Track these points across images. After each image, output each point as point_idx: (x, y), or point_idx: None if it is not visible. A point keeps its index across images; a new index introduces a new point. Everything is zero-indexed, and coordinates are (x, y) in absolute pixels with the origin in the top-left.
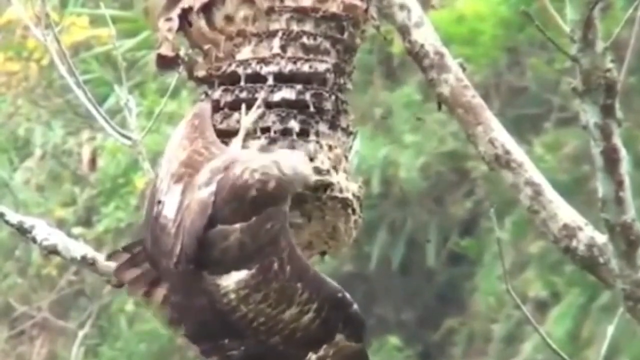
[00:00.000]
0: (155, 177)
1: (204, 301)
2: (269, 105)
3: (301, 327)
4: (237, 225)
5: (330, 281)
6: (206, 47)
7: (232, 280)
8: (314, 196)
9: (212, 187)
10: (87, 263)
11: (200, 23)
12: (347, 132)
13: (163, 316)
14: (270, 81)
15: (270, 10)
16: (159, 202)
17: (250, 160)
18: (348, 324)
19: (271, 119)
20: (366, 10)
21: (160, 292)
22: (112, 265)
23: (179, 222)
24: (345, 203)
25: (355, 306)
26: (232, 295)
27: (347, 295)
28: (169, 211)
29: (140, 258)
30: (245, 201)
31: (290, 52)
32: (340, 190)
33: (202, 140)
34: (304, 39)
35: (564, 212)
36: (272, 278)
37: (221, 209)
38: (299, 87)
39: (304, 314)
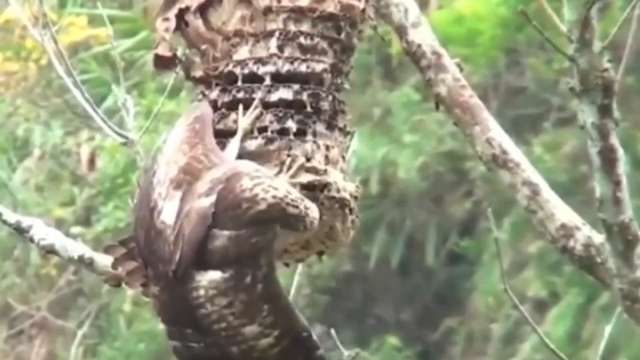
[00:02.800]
0: (147, 173)
1: (179, 290)
2: (266, 105)
3: (259, 348)
4: (226, 232)
5: (301, 319)
6: (203, 47)
7: (205, 277)
8: (311, 196)
9: (212, 198)
10: (84, 263)
11: (198, 23)
12: (345, 132)
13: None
14: (268, 81)
15: (267, 10)
16: (157, 204)
17: (264, 177)
18: None
19: (268, 118)
20: (363, 10)
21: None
22: (109, 258)
23: (178, 230)
24: (342, 203)
25: (320, 351)
26: (201, 292)
27: (314, 338)
28: (167, 217)
29: (136, 252)
30: (247, 213)
31: (287, 52)
32: (338, 190)
33: (202, 147)
34: (301, 39)
35: (562, 212)
36: (242, 289)
37: (218, 216)
38: (296, 87)
39: (263, 336)
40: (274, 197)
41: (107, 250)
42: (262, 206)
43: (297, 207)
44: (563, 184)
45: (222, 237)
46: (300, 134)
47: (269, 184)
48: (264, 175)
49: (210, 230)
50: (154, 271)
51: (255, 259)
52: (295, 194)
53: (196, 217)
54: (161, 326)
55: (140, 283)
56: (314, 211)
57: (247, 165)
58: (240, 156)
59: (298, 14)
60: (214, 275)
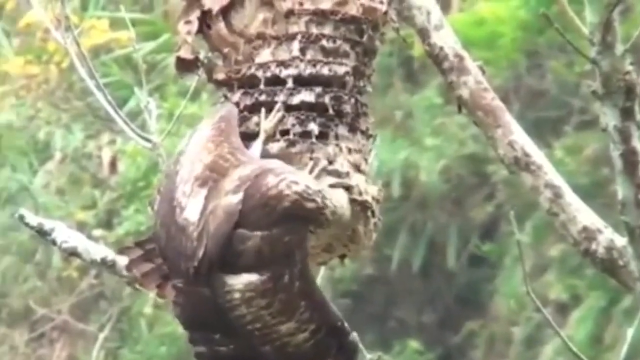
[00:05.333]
0: (169, 176)
1: (206, 293)
2: (288, 108)
3: (294, 343)
4: (258, 232)
5: (334, 309)
6: (225, 50)
7: (240, 280)
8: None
9: (240, 195)
10: (106, 265)
11: (220, 26)
12: (367, 135)
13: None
14: (290, 84)
15: (289, 13)
16: (180, 202)
17: (287, 172)
18: (341, 352)
19: (290, 121)
20: (386, 13)
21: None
22: (125, 259)
23: (203, 227)
24: (364, 206)
25: (352, 336)
26: (237, 295)
27: (346, 325)
28: (190, 214)
29: (153, 253)
30: (275, 210)
31: (309, 55)
32: (360, 193)
33: (228, 146)
34: (323, 42)
35: (584, 215)
36: (280, 289)
37: (246, 215)
38: (318, 90)
39: (300, 332)
40: (296, 192)
41: (123, 251)
42: (287, 202)
43: (313, 200)
44: (585, 187)
45: (254, 238)
46: (323, 136)
47: (291, 179)
48: (287, 171)
49: (236, 229)
50: (175, 269)
51: (290, 257)
52: (314, 187)
53: (222, 214)
54: (182, 330)
55: (156, 285)
56: (335, 200)
57: (273, 163)
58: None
59: (320, 16)
60: (250, 277)
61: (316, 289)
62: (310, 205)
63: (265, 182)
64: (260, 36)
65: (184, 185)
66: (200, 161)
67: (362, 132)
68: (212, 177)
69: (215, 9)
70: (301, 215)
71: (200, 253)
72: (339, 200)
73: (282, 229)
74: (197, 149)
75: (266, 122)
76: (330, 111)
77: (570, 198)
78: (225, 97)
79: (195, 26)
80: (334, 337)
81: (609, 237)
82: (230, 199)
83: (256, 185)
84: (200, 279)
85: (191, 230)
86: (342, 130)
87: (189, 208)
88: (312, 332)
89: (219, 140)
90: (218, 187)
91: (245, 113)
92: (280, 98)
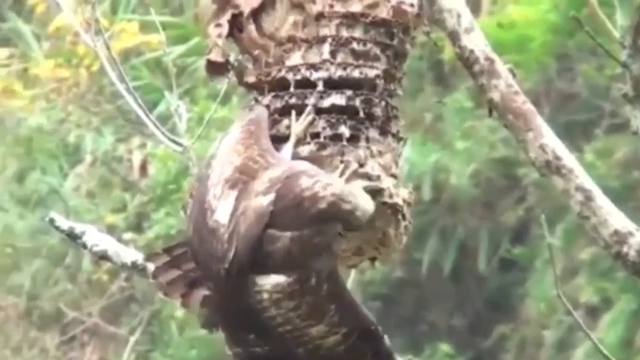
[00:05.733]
0: (201, 180)
1: (238, 294)
2: (318, 111)
3: (326, 346)
4: (288, 233)
5: (366, 312)
6: (256, 53)
7: (269, 281)
8: None
9: (271, 196)
10: (137, 269)
11: (250, 29)
12: (398, 138)
13: (200, 317)
14: (320, 87)
15: (319, 16)
16: (210, 205)
17: (319, 174)
18: (376, 358)
19: (321, 124)
20: (416, 16)
21: (199, 293)
22: (151, 266)
23: (233, 228)
24: (395, 209)
25: (386, 340)
26: (265, 296)
27: (380, 329)
28: (221, 216)
29: (181, 260)
30: (309, 212)
31: (340, 58)
32: (390, 196)
33: (258, 148)
34: (354, 45)
35: (615, 218)
36: (307, 291)
37: (277, 216)
38: (349, 93)
39: (331, 335)
40: (332, 194)
41: (150, 258)
42: (323, 204)
43: (349, 202)
44: (615, 190)
45: (283, 238)
46: (353, 139)
47: (326, 182)
48: (319, 173)
49: (267, 230)
50: (207, 271)
51: (318, 259)
52: (347, 189)
53: (253, 215)
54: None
55: (181, 293)
56: (364, 203)
57: (304, 165)
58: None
59: (350, 19)
60: (278, 279)
61: (346, 292)
62: (346, 206)
63: (298, 183)
64: (291, 39)
65: (214, 188)
66: (231, 163)
67: (393, 135)
68: (242, 179)
69: (246, 12)
70: (335, 217)
71: (231, 255)
72: (367, 202)
73: (312, 231)
74: (227, 152)
75: (297, 125)
76: (361, 114)
77: (601, 201)
78: (256, 100)
79: (225, 29)
80: (367, 341)
81: None
82: (260, 200)
83: (288, 186)
84: (232, 281)
85: (222, 232)
86: (373, 133)
87: (220, 210)
88: (344, 336)
89: (248, 142)
90: (248, 189)
91: (276, 116)
92: (311, 101)
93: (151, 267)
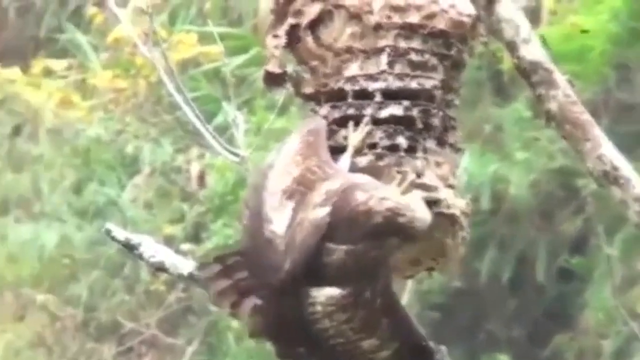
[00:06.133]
0: (258, 186)
1: (291, 306)
2: (376, 122)
3: None
4: (344, 246)
5: (418, 327)
6: (313, 63)
7: (323, 293)
8: None
9: (328, 209)
10: (194, 280)
11: (308, 40)
12: (455, 149)
13: (250, 327)
14: (378, 98)
15: (377, 27)
16: (267, 215)
17: (376, 188)
18: None
19: (378, 135)
20: (474, 27)
21: (250, 302)
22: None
23: (289, 240)
24: (452, 219)
25: (438, 356)
26: (319, 308)
27: (431, 345)
28: (278, 227)
29: (233, 269)
30: (364, 226)
31: (397, 68)
32: (448, 207)
33: (316, 159)
34: (412, 56)
35: None
36: (361, 304)
37: (333, 229)
38: (406, 103)
39: (382, 349)
40: (388, 209)
41: (201, 268)
42: (378, 219)
43: (405, 215)
44: None
45: (339, 251)
46: (411, 150)
47: (382, 196)
48: (375, 187)
49: (324, 243)
50: (261, 281)
51: (373, 273)
52: (404, 201)
53: (310, 227)
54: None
55: (231, 302)
56: (421, 214)
57: (361, 178)
58: (350, 172)
59: (408, 30)
60: (332, 291)
61: (400, 306)
62: (402, 220)
63: (353, 197)
64: (349, 50)
65: (271, 198)
66: (289, 174)
67: (451, 146)
68: (300, 190)
69: (304, 22)
70: (391, 230)
71: (287, 265)
72: (425, 212)
73: (368, 245)
74: (285, 162)
75: (354, 136)
76: (419, 125)
77: None
78: (314, 110)
79: (283, 40)
80: (418, 356)
81: None
82: (318, 212)
83: (344, 199)
84: (286, 291)
85: (278, 242)
86: (430, 143)
87: (277, 221)
88: (395, 351)
89: (307, 153)
90: (305, 201)
91: (333, 127)
92: (368, 111)
93: (203, 276)
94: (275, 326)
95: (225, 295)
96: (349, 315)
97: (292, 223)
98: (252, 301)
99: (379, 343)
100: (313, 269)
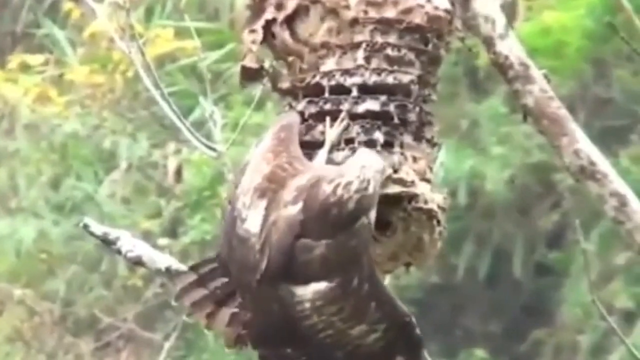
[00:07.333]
0: (235, 185)
1: (274, 307)
2: (353, 117)
3: (365, 345)
4: (323, 241)
5: (400, 304)
6: (290, 59)
7: (310, 290)
8: (398, 207)
9: (299, 205)
10: (171, 274)
11: (284, 35)
12: (432, 144)
13: (227, 336)
14: (355, 93)
15: (354, 22)
16: (240, 214)
17: (339, 176)
18: (409, 346)
19: (355, 130)
20: (450, 22)
21: (226, 312)
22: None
23: (265, 239)
24: (430, 214)
25: (417, 330)
26: (307, 305)
27: (413, 319)
28: (251, 225)
29: (208, 277)
30: (337, 218)
31: (374, 63)
32: (425, 202)
33: (287, 155)
34: (388, 51)
35: None
36: (350, 293)
37: (308, 225)
38: (383, 98)
39: (371, 333)
40: (355, 191)
41: (177, 278)
42: (351, 205)
43: (367, 185)
44: None
45: (319, 247)
46: (388, 145)
47: (345, 181)
48: (340, 174)
49: (299, 240)
50: (238, 282)
51: (357, 261)
52: (362, 176)
53: (284, 226)
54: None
55: (206, 313)
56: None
57: (326, 169)
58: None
59: (385, 25)
60: (319, 286)
61: (384, 287)
62: (369, 192)
63: (321, 190)
64: (325, 45)
65: (243, 196)
66: (260, 172)
67: (427, 141)
68: (271, 187)
69: (280, 18)
70: (366, 209)
71: (263, 265)
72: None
73: (346, 235)
74: (257, 160)
75: (331, 131)
76: (395, 120)
77: (636, 206)
78: (290, 106)
79: (260, 35)
80: (403, 333)
81: None
82: (290, 210)
83: (313, 194)
84: (264, 291)
85: (253, 242)
86: (407, 138)
87: (250, 219)
88: (384, 331)
89: (278, 150)
90: (277, 198)
91: (310, 122)
92: (345, 106)
93: (175, 288)
94: (259, 331)
95: (200, 305)
96: (339, 307)
97: (267, 222)
98: (228, 311)
99: (367, 328)
100: (292, 268)
